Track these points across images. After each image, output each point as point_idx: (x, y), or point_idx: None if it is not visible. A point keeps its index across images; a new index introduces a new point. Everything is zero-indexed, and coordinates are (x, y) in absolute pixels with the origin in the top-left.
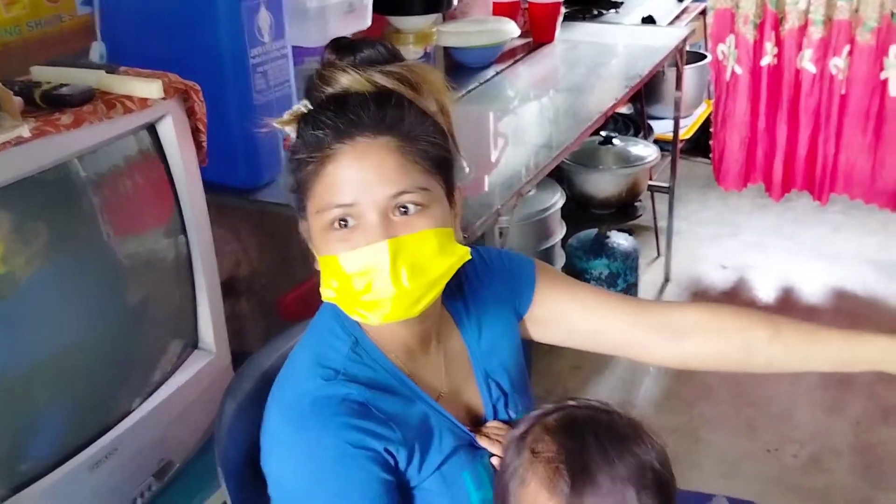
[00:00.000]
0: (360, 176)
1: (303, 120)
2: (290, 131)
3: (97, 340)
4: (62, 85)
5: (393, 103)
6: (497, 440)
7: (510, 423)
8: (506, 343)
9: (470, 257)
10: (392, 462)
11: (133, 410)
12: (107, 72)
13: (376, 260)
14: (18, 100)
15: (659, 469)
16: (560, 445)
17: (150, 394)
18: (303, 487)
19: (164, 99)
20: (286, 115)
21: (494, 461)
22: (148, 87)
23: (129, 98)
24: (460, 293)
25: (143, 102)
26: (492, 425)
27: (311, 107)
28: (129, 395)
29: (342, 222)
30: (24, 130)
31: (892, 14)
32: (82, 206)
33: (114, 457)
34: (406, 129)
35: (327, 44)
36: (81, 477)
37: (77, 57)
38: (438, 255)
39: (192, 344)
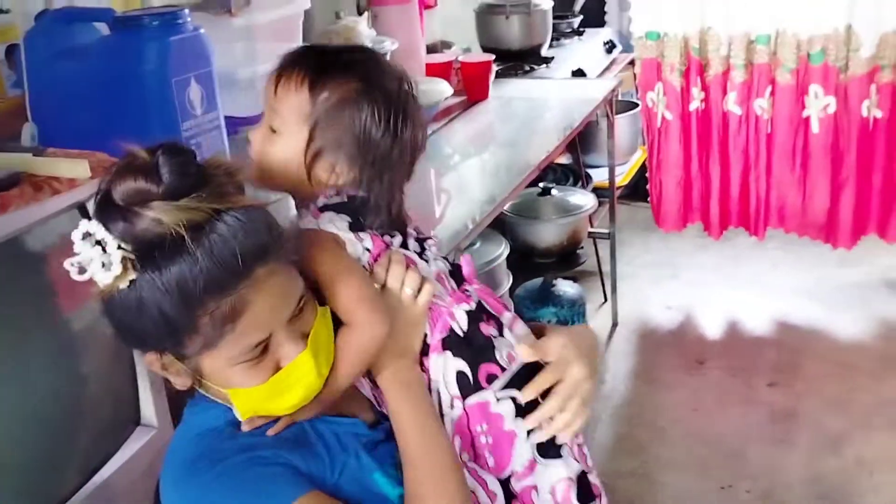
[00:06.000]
0: (266, 308)
1: (141, 267)
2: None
3: (35, 424)
4: None
5: (243, 224)
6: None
7: None
8: None
9: (327, 307)
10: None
11: (75, 492)
12: (34, 154)
13: (304, 370)
14: None
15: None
16: None
17: (93, 473)
18: None
19: (92, 178)
20: (110, 277)
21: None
22: (74, 168)
23: (58, 179)
24: None
25: (72, 183)
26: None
27: (132, 252)
28: (71, 475)
29: (257, 356)
30: None
31: (809, 55)
32: (16, 287)
33: None
34: (271, 243)
35: (116, 168)
36: None
37: (9, 139)
38: (328, 327)
39: (134, 420)
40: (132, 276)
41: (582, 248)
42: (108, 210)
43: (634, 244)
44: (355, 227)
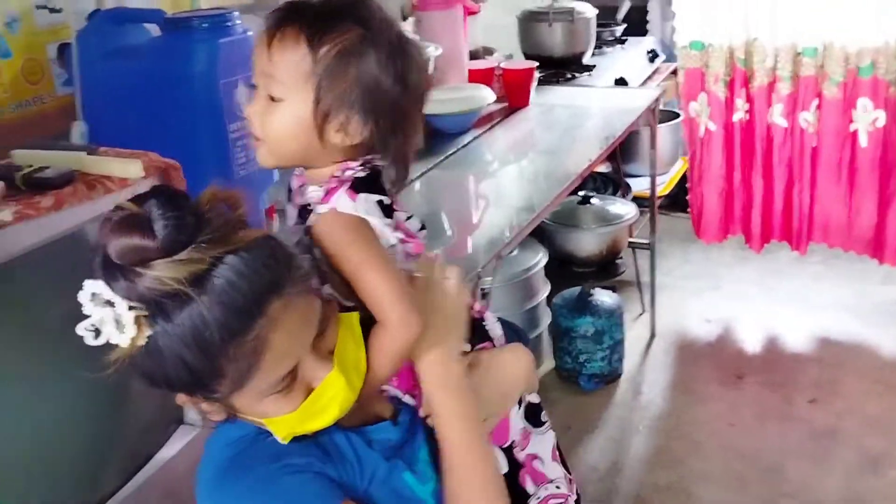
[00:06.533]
0: (288, 339)
1: (155, 322)
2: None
3: (79, 422)
4: (43, 168)
5: (247, 263)
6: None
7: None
8: None
9: (354, 312)
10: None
11: (118, 490)
12: (87, 153)
13: (336, 389)
14: (0, 184)
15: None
16: None
17: (136, 471)
18: None
19: (144, 178)
20: (127, 339)
21: None
22: (128, 168)
23: (110, 178)
24: None
25: (124, 182)
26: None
27: (142, 308)
28: (114, 474)
29: (287, 384)
30: (7, 215)
31: (858, 68)
32: (66, 287)
33: None
34: (281, 274)
35: (107, 224)
36: None
37: (58, 137)
38: (355, 340)
39: (178, 419)
40: (148, 332)
41: (621, 258)
42: (108, 269)
43: (674, 255)
44: (388, 212)
